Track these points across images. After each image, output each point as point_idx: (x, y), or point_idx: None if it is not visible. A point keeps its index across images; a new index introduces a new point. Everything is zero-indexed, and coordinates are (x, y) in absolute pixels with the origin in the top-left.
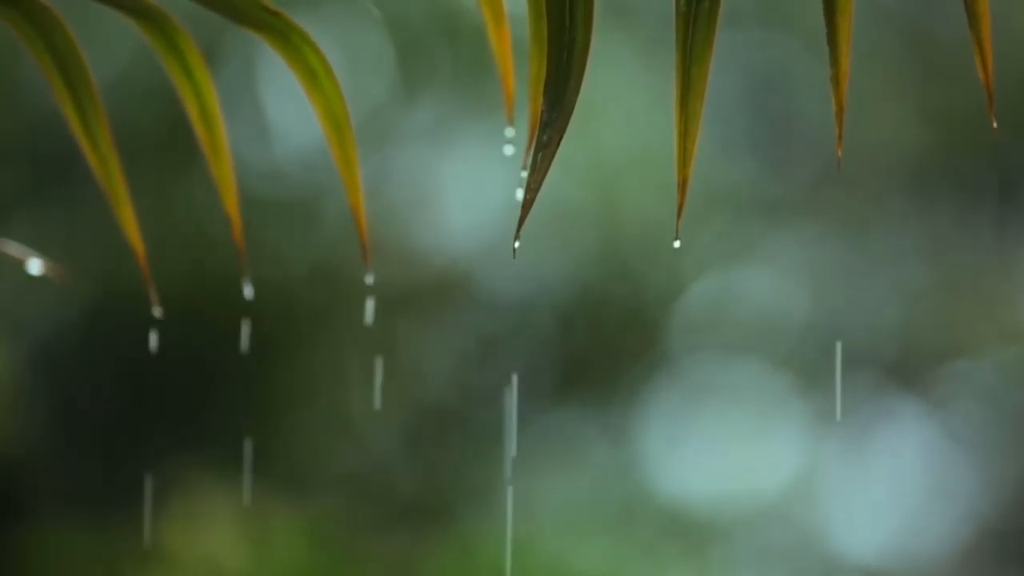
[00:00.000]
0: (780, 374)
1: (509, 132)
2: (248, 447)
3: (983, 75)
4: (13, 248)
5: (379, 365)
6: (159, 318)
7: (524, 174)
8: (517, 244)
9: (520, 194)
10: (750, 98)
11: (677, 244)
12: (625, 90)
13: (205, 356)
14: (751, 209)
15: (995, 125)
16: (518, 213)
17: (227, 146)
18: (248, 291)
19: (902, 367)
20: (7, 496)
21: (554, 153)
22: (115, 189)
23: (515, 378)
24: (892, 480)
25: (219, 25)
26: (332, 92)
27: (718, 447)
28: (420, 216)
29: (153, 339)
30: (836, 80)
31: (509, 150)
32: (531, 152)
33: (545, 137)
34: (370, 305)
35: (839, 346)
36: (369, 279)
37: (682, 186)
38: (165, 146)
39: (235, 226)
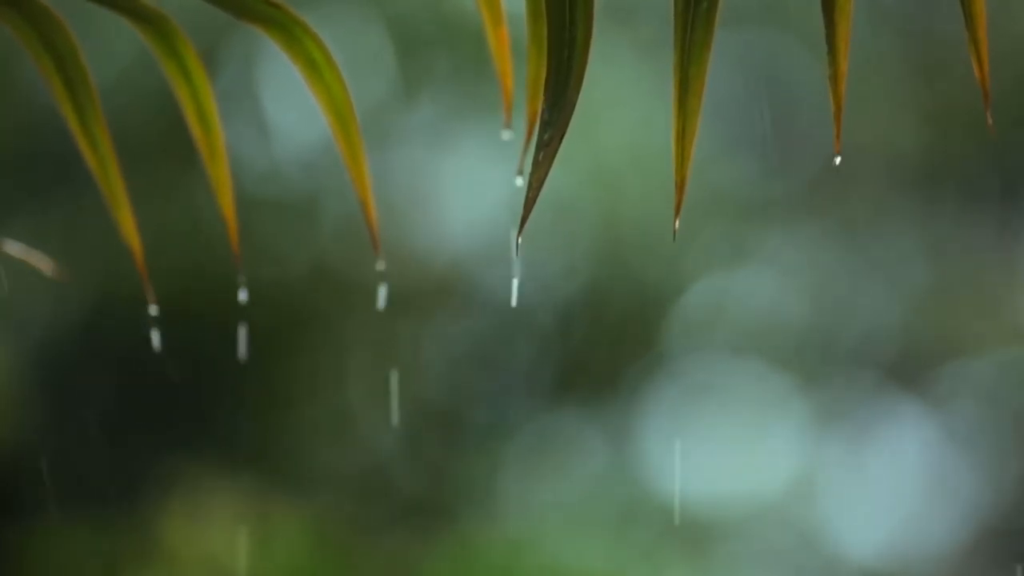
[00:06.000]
0: (780, 374)
1: (506, 135)
2: (248, 446)
3: (979, 74)
4: (14, 248)
5: (379, 365)
6: (157, 317)
7: (521, 181)
8: (519, 241)
9: (520, 181)
10: (750, 98)
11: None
12: (625, 89)
13: (205, 355)
14: (751, 209)
15: (991, 123)
16: (518, 212)
17: (224, 149)
18: (243, 295)
19: (902, 367)
20: (7, 495)
21: (555, 152)
22: (113, 190)
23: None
24: (892, 480)
25: (218, 27)
26: (335, 83)
27: (718, 447)
28: (420, 216)
29: (155, 338)
30: (834, 80)
31: (506, 136)
32: (530, 151)
33: (546, 136)
34: (383, 292)
35: (839, 346)
36: (381, 265)
37: (680, 187)
38: (163, 148)
39: (231, 229)
